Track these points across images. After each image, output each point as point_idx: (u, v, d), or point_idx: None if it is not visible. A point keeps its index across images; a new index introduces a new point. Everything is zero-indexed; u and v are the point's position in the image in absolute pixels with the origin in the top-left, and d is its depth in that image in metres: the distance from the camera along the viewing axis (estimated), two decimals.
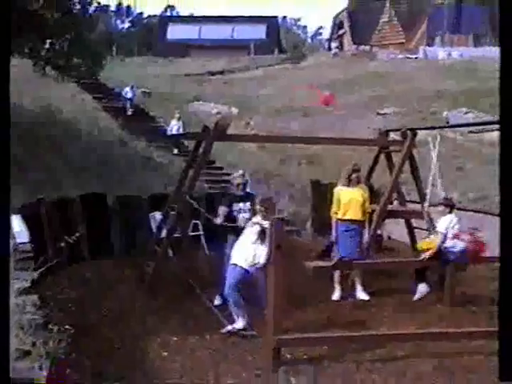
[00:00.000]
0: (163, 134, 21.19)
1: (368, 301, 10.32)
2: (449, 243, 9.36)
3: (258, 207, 8.29)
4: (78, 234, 10.67)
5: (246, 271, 8.10)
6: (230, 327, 8.30)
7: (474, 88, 25.31)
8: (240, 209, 9.43)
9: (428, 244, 9.69)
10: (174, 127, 20.83)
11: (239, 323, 8.18)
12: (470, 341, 7.97)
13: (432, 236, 9.83)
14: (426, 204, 10.31)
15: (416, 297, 10.04)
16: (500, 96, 3.59)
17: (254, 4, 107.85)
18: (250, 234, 8.15)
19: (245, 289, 8.22)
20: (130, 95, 25.03)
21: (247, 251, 8.08)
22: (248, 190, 10.30)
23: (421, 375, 7.00)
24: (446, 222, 9.68)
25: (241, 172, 10.12)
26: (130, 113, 24.49)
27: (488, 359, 7.46)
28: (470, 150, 19.15)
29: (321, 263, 9.69)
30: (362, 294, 10.49)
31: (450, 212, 9.98)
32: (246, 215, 9.25)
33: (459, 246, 9.24)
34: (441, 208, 10.15)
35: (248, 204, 9.43)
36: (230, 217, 9.39)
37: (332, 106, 24.61)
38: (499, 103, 3.50)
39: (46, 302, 6.84)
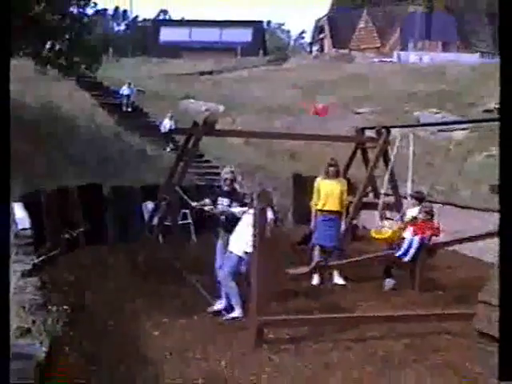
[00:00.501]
0: (158, 132, 21.06)
1: (344, 286, 10.36)
2: (408, 237, 9.53)
3: (255, 202, 8.11)
4: (81, 229, 10.69)
5: (241, 258, 8.03)
6: (215, 307, 8.30)
7: (443, 90, 25.41)
8: (223, 204, 8.99)
9: (378, 233, 9.83)
10: (167, 125, 20.66)
11: (236, 312, 8.05)
12: (437, 322, 8.04)
13: (386, 226, 10.01)
14: (408, 200, 10.42)
15: (385, 289, 10.09)
16: (500, 96, 3.56)
17: (240, 9, 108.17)
18: (244, 223, 8.08)
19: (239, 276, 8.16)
20: (127, 92, 24.86)
21: (241, 239, 8.03)
22: (237, 186, 9.73)
23: (392, 353, 7.03)
24: (413, 213, 9.81)
25: (230, 168, 9.73)
26: (126, 109, 24.29)
27: (454, 339, 7.56)
28: (439, 147, 19.21)
29: (300, 270, 9.81)
30: (338, 280, 10.52)
31: (420, 204, 10.05)
32: (225, 206, 8.95)
33: (416, 239, 9.41)
34: (412, 200, 10.24)
35: (230, 200, 8.96)
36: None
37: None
38: (499, 103, 3.47)
39: (46, 284, 6.78)
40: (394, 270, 10.27)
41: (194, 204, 9.44)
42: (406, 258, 9.39)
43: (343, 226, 10.57)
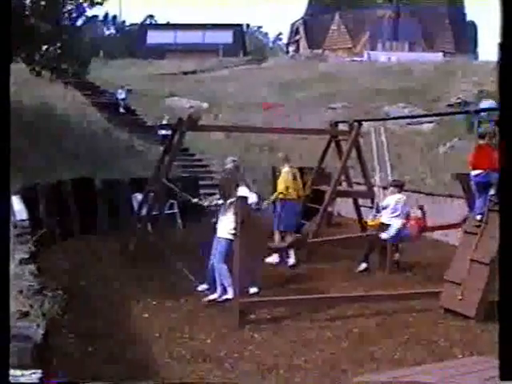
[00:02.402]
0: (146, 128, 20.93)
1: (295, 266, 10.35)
2: (387, 220, 9.75)
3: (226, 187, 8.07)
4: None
5: (231, 241, 7.78)
6: (199, 288, 8.35)
7: (409, 86, 25.49)
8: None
9: (373, 221, 10.11)
10: (163, 130, 20.19)
11: (229, 293, 7.77)
12: (405, 301, 8.10)
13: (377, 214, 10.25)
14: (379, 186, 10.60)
15: (358, 270, 10.14)
16: (500, 96, 3.54)
17: (222, 14, 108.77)
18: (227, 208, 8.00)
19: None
20: (123, 96, 24.53)
21: (225, 224, 7.95)
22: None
23: (366, 330, 7.08)
24: (392, 200, 9.91)
25: (232, 158, 9.58)
26: (122, 110, 23.95)
27: (421, 315, 7.63)
28: (407, 139, 19.28)
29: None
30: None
31: (400, 192, 10.12)
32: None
33: (396, 224, 9.73)
34: (391, 188, 10.30)
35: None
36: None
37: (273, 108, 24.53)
38: (499, 103, 3.45)
39: (42, 271, 6.74)
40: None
41: (195, 200, 9.38)
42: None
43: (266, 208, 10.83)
